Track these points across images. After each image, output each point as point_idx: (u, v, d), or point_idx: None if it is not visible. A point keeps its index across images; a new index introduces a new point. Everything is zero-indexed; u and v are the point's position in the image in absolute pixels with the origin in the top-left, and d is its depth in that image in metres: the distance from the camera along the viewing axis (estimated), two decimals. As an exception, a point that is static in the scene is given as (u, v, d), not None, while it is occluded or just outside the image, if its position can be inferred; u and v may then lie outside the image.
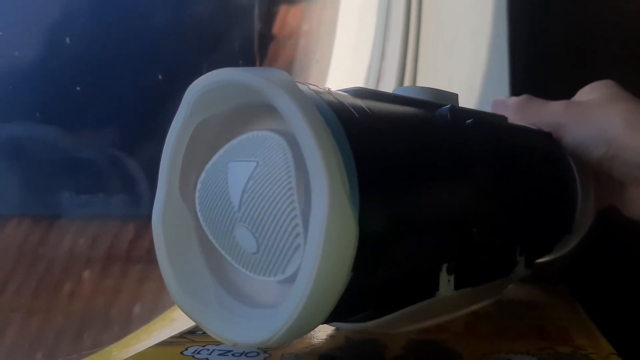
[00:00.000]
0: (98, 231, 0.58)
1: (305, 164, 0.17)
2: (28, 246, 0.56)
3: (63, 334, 0.54)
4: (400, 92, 0.25)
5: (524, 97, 0.36)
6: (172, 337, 0.25)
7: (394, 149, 0.20)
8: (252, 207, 0.18)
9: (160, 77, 0.37)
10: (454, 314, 0.26)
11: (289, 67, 0.62)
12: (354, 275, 0.18)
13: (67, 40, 0.36)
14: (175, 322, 0.50)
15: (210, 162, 0.20)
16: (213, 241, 0.20)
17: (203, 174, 0.20)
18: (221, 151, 0.20)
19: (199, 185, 0.20)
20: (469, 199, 0.24)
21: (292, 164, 0.18)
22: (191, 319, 0.20)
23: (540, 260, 0.33)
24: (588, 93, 0.35)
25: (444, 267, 0.23)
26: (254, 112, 0.20)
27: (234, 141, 0.20)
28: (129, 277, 0.59)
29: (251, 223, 0.18)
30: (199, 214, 0.20)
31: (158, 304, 0.56)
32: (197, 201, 0.20)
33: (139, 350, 0.23)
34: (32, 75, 0.36)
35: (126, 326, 0.55)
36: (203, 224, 0.20)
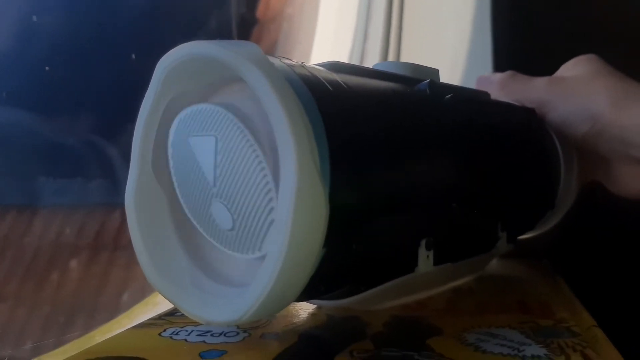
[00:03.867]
0: (84, 220, 0.58)
1: (275, 137, 0.17)
2: (14, 236, 0.55)
3: (51, 324, 0.53)
4: (380, 68, 0.25)
5: (508, 73, 0.36)
6: (150, 319, 0.25)
7: (369, 123, 0.20)
8: (226, 182, 0.18)
9: (133, 56, 0.36)
10: (435, 289, 0.26)
11: (271, 51, 0.62)
12: (327, 251, 0.17)
13: (34, 18, 0.35)
14: (158, 306, 0.50)
15: (170, 137, 0.20)
16: (192, 219, 0.20)
17: (170, 149, 0.20)
18: (174, 124, 0.19)
19: (170, 162, 0.20)
20: (448, 174, 0.24)
21: (251, 137, 0.17)
22: (165, 298, 0.20)
23: (523, 236, 0.33)
24: (571, 68, 0.35)
25: (423, 242, 0.22)
26: (228, 87, 0.20)
27: (182, 114, 0.19)
28: (117, 265, 0.59)
29: (226, 198, 0.18)
30: (177, 191, 0.20)
31: (146, 291, 0.56)
32: (173, 178, 0.20)
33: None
34: (-2, 55, 0.35)
35: (115, 314, 0.55)
36: (182, 201, 0.20)
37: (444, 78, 0.28)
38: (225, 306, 0.18)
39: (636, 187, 0.34)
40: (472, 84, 0.37)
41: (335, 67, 0.22)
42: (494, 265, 0.30)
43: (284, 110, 0.16)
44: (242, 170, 0.18)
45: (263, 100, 0.17)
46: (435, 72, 0.27)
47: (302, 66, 0.20)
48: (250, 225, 0.18)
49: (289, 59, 0.20)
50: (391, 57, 0.57)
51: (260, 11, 0.63)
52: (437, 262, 0.23)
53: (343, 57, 0.60)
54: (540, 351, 0.21)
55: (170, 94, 0.20)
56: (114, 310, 0.55)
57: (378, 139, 0.20)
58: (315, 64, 0.22)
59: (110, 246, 0.59)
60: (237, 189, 0.18)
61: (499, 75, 0.36)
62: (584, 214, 0.37)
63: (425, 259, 0.22)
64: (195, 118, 0.19)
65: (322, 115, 0.18)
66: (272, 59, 0.18)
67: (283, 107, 0.16)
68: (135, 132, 0.21)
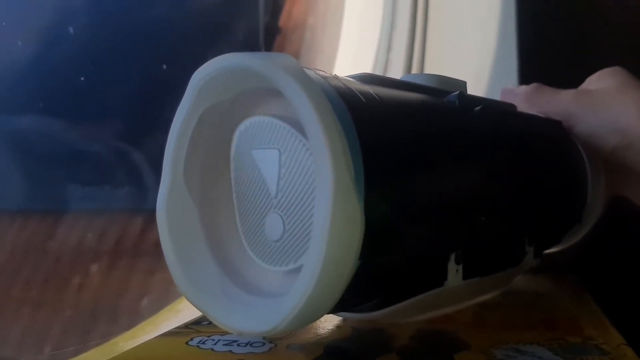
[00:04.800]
0: (106, 225, 0.59)
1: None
2: (36, 241, 0.56)
3: (72, 328, 0.54)
4: (408, 79, 0.25)
5: (533, 85, 0.36)
6: (177, 328, 0.25)
7: (402, 136, 0.20)
8: (288, 194, 0.19)
9: (164, 67, 0.36)
10: (463, 304, 0.26)
11: (294, 60, 0.62)
12: (361, 264, 0.17)
13: (71, 30, 0.35)
14: (181, 313, 0.50)
15: (233, 152, 0.20)
16: (239, 227, 0.20)
17: (232, 163, 0.20)
18: (235, 140, 0.20)
19: (232, 174, 0.21)
20: (478, 187, 0.24)
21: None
22: (197, 308, 0.20)
23: (549, 250, 0.32)
24: (597, 81, 0.35)
25: (452, 256, 0.22)
26: (259, 97, 0.20)
27: (241, 127, 0.20)
28: (137, 270, 0.59)
29: (285, 210, 0.19)
30: (235, 202, 0.20)
31: (167, 297, 0.56)
32: (233, 189, 0.21)
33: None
34: (36, 66, 0.36)
35: (135, 319, 0.55)
36: (236, 209, 0.20)
37: (469, 89, 0.27)
38: (257, 316, 0.18)
39: (664, 202, 0.33)
40: (496, 95, 0.37)
41: (366, 78, 0.22)
42: (520, 279, 0.30)
43: (321, 122, 0.16)
44: (304, 182, 0.18)
45: (300, 112, 0.17)
46: (462, 84, 0.27)
47: (336, 78, 0.20)
48: (298, 237, 0.18)
49: (323, 71, 0.20)
50: (415, 68, 0.57)
51: (282, 20, 0.63)
52: (466, 276, 0.23)
53: (366, 67, 0.60)
54: (571, 369, 0.20)
55: (204, 105, 0.20)
56: (134, 315, 0.55)
57: (410, 150, 0.20)
58: (347, 76, 0.22)
59: (131, 252, 0.60)
60: (297, 200, 0.18)
61: (523, 87, 0.36)
62: (611, 229, 0.36)
63: (454, 273, 0.22)
64: (256, 130, 0.19)
65: (357, 128, 0.18)
66: (308, 71, 0.18)
67: (320, 119, 0.16)
68: (167, 143, 0.21)
